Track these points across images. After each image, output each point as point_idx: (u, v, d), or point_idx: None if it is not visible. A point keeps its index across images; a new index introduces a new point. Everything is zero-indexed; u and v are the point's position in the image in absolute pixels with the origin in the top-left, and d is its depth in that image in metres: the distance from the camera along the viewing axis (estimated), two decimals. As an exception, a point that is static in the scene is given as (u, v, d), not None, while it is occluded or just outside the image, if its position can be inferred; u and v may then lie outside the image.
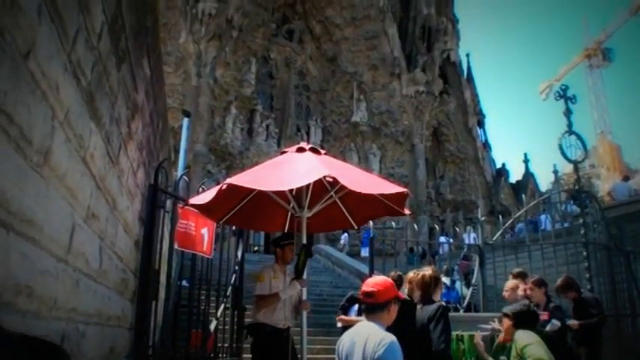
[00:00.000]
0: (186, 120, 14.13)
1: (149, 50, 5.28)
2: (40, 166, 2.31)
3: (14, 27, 1.91)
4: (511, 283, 7.32)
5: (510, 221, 11.51)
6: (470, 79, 38.24)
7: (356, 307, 7.30)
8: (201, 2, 27.88)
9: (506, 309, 4.88)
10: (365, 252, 20.00)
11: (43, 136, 2.30)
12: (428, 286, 4.99)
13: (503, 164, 38.40)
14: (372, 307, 3.53)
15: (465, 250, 13.69)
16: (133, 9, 4.13)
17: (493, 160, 38.25)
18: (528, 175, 38.57)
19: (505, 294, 7.23)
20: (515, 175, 39.37)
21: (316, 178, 4.27)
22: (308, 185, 4.64)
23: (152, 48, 5.49)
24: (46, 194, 2.43)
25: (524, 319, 4.68)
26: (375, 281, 3.68)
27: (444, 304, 5.13)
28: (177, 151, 13.95)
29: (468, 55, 39.53)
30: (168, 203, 6.38)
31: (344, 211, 5.50)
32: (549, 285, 7.30)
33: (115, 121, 3.77)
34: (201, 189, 7.19)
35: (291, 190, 4.97)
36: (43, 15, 2.17)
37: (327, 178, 4.37)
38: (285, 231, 5.91)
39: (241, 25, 29.37)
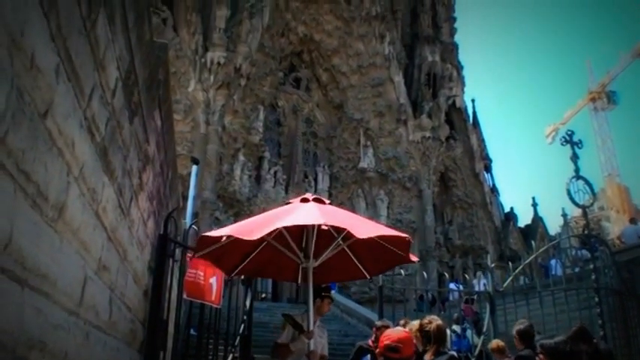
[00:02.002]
0: (194, 167, 14.26)
1: (160, 102, 5.39)
2: (55, 221, 2.35)
3: (33, 87, 1.99)
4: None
5: (520, 267, 11.39)
6: (476, 124, 38.46)
7: (368, 357, 7.19)
8: (210, 51, 28.43)
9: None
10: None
11: (59, 192, 2.35)
12: (439, 337, 4.93)
13: (512, 209, 38.19)
14: None
15: (475, 297, 13.52)
16: (146, 63, 4.24)
17: (501, 205, 38.11)
18: (537, 219, 38.32)
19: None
20: (524, 219, 39.12)
21: (308, 223, 4.30)
22: (313, 235, 4.66)
23: (163, 100, 5.61)
24: (60, 248, 2.47)
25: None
26: (399, 335, 3.64)
27: (455, 354, 5.07)
28: (185, 198, 14.01)
29: (473, 101, 39.88)
30: (178, 252, 6.39)
31: (354, 260, 5.48)
32: (562, 331, 7.19)
33: (126, 173, 3.84)
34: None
35: (300, 242, 4.98)
36: (61, 75, 2.25)
37: (323, 227, 4.39)
38: (298, 282, 5.87)
39: (249, 73, 29.85)
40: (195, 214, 16.34)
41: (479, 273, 26.74)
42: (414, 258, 5.21)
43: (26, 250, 2.01)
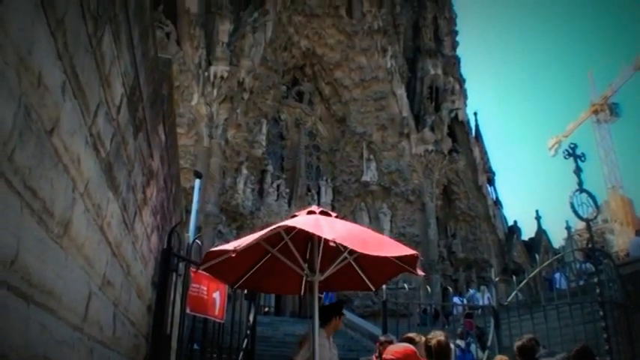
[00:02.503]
0: (197, 181, 14.29)
1: (164, 117, 5.42)
2: (61, 237, 2.36)
3: (40, 105, 2.01)
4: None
5: (525, 281, 11.35)
6: (478, 137, 38.49)
7: None
8: (214, 65, 28.59)
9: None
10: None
11: (64, 208, 2.37)
12: (440, 353, 4.91)
13: (515, 222, 38.05)
14: None
15: (479, 312, 13.47)
16: (150, 79, 4.27)
17: (505, 218, 38.01)
18: (541, 231, 38.17)
19: None
20: (528, 232, 38.97)
21: (318, 234, 4.28)
22: (319, 249, 4.66)
23: (167, 115, 5.64)
24: (65, 264, 2.48)
25: None
26: (402, 351, 3.62)
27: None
28: (188, 212, 14.03)
29: (475, 114, 39.93)
30: (181, 267, 6.40)
31: (359, 272, 5.47)
32: (567, 345, 7.16)
33: (131, 188, 3.86)
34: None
35: (304, 255, 4.98)
36: (67, 92, 2.27)
37: (331, 243, 4.37)
38: (301, 294, 5.85)
39: (252, 87, 29.97)
40: (198, 228, 16.35)
41: (482, 287, 26.63)
42: (420, 272, 5.19)
43: (32, 267, 2.02)
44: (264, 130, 31.24)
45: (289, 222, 4.51)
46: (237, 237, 21.59)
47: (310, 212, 4.91)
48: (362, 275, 5.50)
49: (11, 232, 1.82)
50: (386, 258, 5.00)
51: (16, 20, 1.72)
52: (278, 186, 31.22)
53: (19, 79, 1.78)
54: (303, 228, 4.32)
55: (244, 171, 29.03)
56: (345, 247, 4.95)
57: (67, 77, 2.23)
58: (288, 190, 31.66)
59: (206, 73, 28.39)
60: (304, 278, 5.45)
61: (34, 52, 1.88)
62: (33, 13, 1.85)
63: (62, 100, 2.20)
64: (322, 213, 4.90)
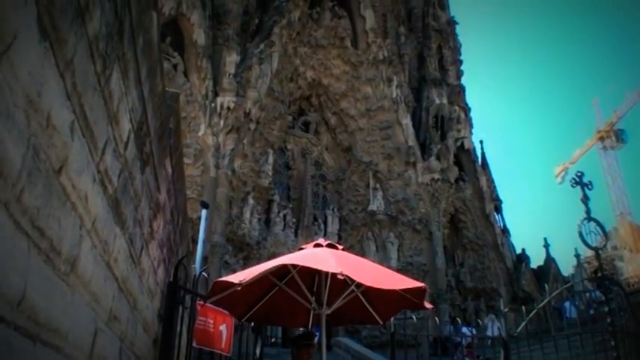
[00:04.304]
0: (204, 211, 14.31)
1: (171, 150, 5.45)
2: (67, 274, 2.37)
3: (49, 145, 2.03)
4: None
5: (534, 311, 11.23)
6: (485, 165, 38.45)
7: None
8: (220, 96, 28.82)
9: None
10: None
11: (71, 246, 2.38)
12: None
13: (523, 250, 37.73)
14: None
15: (489, 342, 13.31)
16: (158, 114, 4.31)
17: (513, 246, 37.72)
18: (550, 259, 37.82)
19: None
20: (536, 260, 38.62)
21: (327, 270, 4.27)
22: (326, 282, 4.64)
23: (174, 148, 5.68)
24: (72, 302, 2.48)
25: None
26: None
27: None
28: (195, 242, 14.02)
29: (481, 142, 39.95)
30: (187, 299, 6.37)
31: (367, 306, 5.44)
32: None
33: (138, 222, 3.87)
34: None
35: (311, 288, 4.96)
36: (76, 131, 2.30)
37: (339, 276, 4.34)
38: (309, 328, 5.80)
39: (259, 117, 30.15)
40: (204, 258, 16.31)
41: (492, 315, 26.35)
42: (428, 305, 5.14)
43: (39, 306, 2.02)
44: (271, 160, 31.33)
45: (296, 259, 4.51)
46: (244, 267, 21.52)
47: (317, 245, 4.91)
48: (370, 309, 5.47)
49: (19, 272, 1.83)
50: (394, 291, 4.98)
51: (26, 64, 1.75)
52: (285, 216, 31.19)
53: (28, 121, 1.81)
54: (309, 265, 4.33)
55: (251, 201, 29.03)
56: (353, 280, 4.93)
57: (75, 116, 2.26)
58: (294, 220, 31.62)
59: (213, 104, 28.62)
60: (311, 311, 5.43)
61: (43, 93, 1.91)
62: (42, 56, 1.88)
63: (70, 139, 2.23)
64: (329, 246, 4.90)
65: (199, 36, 29.18)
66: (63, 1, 1.97)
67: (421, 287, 4.70)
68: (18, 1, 1.66)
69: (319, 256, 4.50)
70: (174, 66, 27.88)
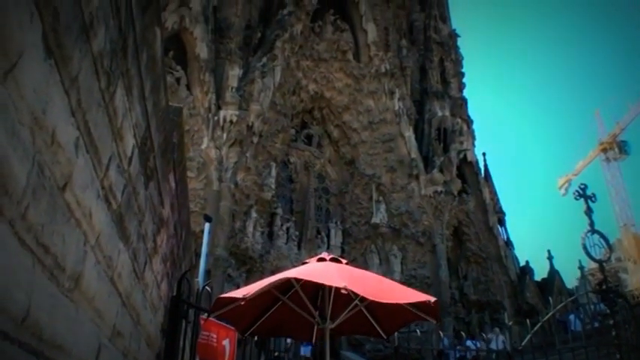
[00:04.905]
0: (207, 225, 14.28)
1: (175, 164, 5.46)
2: (71, 291, 2.37)
3: (53, 162, 2.04)
4: None
5: (539, 324, 11.18)
6: (488, 177, 38.41)
7: None
8: (223, 110, 28.89)
9: None
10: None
11: (75, 262, 2.38)
12: None
13: (527, 262, 37.60)
14: None
15: (494, 357, 13.23)
16: (161, 128, 4.32)
17: (516, 259, 37.59)
18: (554, 272, 37.68)
19: None
20: (540, 272, 38.43)
21: (330, 284, 4.25)
22: (330, 297, 4.63)
23: (178, 162, 5.69)
24: (76, 318, 2.48)
25: None
26: None
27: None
28: (198, 256, 13.99)
29: (484, 154, 39.96)
30: (191, 314, 6.35)
31: (371, 320, 5.41)
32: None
33: (141, 237, 3.87)
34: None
35: (315, 302, 4.95)
36: (80, 148, 2.30)
37: (343, 290, 4.32)
38: (313, 342, 5.79)
39: (262, 131, 30.20)
40: (207, 272, 16.27)
41: (496, 329, 26.21)
42: (431, 318, 5.11)
43: (43, 322, 2.02)
44: (274, 173, 31.34)
45: (299, 273, 4.50)
46: (247, 280, 21.41)
47: (320, 259, 4.90)
48: (374, 323, 5.44)
49: (23, 289, 1.83)
50: (399, 305, 4.95)
51: (31, 82, 1.76)
52: (287, 229, 31.14)
53: (33, 138, 1.82)
54: (313, 280, 4.31)
55: (254, 214, 29.01)
56: (357, 294, 4.90)
57: (80, 133, 2.27)
58: (297, 233, 31.57)
59: (216, 118, 28.68)
60: (315, 325, 5.40)
61: (48, 110, 1.92)
62: (47, 74, 1.89)
63: (75, 155, 2.23)
64: (332, 260, 4.89)
65: (202, 50, 29.29)
66: (68, 19, 1.98)
67: (428, 301, 4.61)
68: (23, 19, 1.67)
69: (323, 271, 4.49)
70: (177, 80, 27.98)
